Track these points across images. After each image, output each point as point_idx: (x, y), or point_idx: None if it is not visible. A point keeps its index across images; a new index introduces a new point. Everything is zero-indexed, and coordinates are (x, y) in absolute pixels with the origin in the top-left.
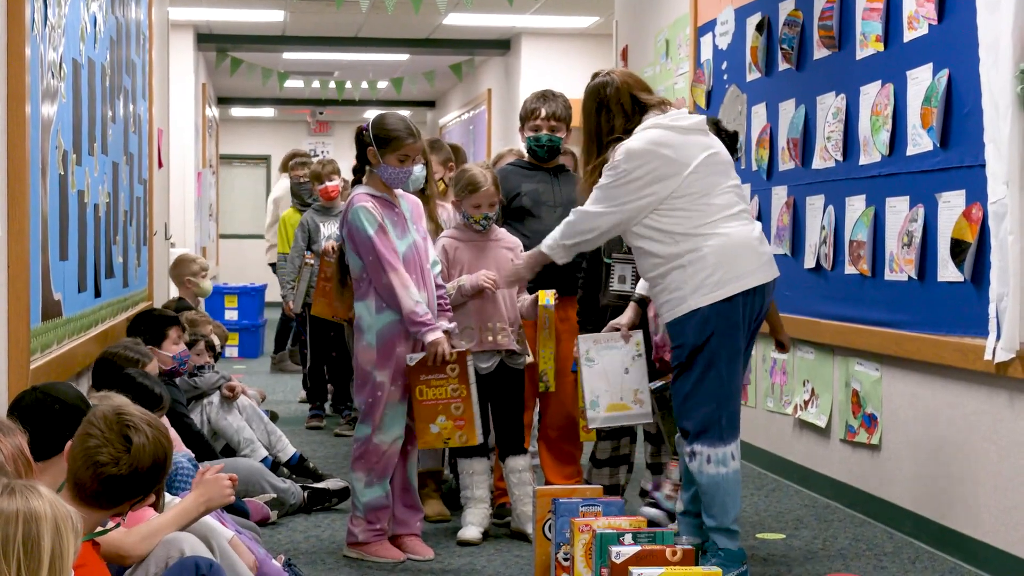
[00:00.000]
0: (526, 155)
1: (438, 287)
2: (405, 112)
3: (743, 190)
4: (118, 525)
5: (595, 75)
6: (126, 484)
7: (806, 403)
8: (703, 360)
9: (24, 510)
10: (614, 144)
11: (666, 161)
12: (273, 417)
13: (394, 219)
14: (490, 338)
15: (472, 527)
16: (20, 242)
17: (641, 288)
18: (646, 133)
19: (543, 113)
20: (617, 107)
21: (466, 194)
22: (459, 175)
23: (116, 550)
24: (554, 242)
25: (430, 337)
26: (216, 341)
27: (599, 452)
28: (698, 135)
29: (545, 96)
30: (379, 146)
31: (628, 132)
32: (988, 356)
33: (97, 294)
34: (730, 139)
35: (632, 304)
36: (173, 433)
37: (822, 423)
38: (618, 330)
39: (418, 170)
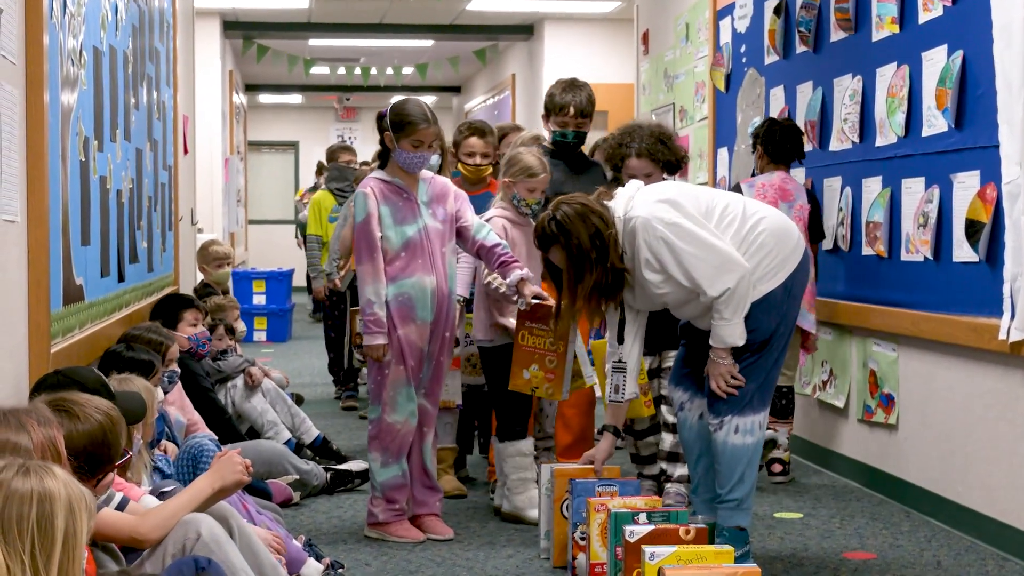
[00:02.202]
0: (547, 140)
1: (495, 245)
2: (431, 98)
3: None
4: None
5: (547, 224)
6: None
7: (824, 383)
8: (770, 343)
9: (39, 490)
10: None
11: (673, 200)
12: (299, 400)
13: (399, 205)
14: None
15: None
16: (40, 228)
17: (608, 418)
18: (637, 201)
19: (572, 111)
20: (594, 215)
21: (523, 178)
22: (514, 158)
23: (131, 534)
24: (727, 328)
25: (367, 340)
26: (241, 326)
27: (637, 424)
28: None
29: (574, 88)
30: (395, 131)
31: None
32: (1003, 336)
33: (120, 279)
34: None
35: (606, 434)
36: (197, 416)
37: (840, 403)
38: (591, 463)
39: (435, 158)
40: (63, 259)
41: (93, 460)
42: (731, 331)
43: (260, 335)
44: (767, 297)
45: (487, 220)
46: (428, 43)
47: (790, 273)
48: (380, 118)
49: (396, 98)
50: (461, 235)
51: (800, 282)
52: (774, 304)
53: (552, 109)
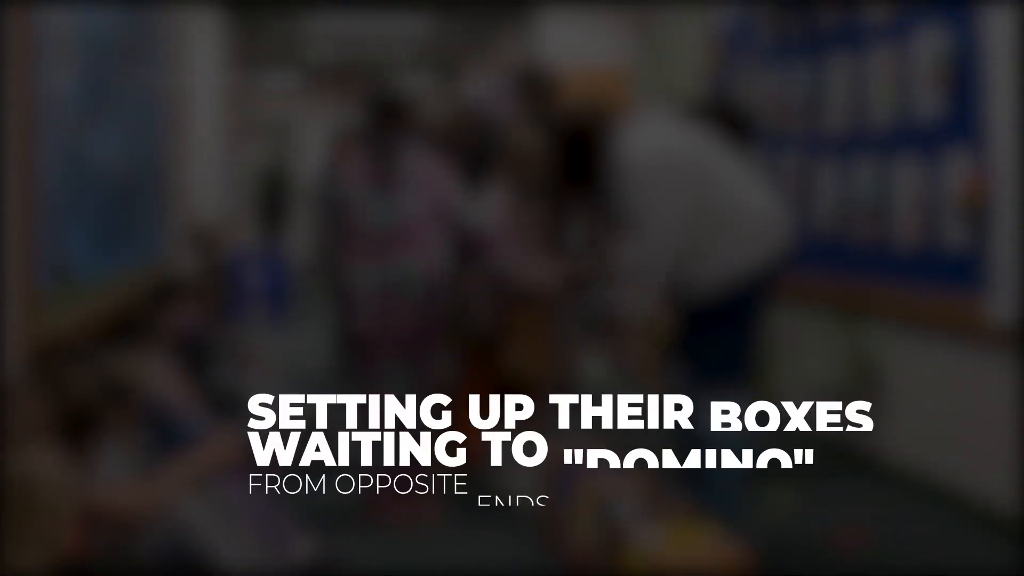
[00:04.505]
0: None
1: (481, 227)
2: (427, 78)
3: None
4: None
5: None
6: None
7: (814, 364)
8: (726, 321)
9: (21, 471)
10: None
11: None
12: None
13: (385, 187)
14: None
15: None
16: (30, 209)
17: None
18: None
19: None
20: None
21: (517, 156)
22: (508, 136)
23: (120, 510)
24: (627, 298)
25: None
26: (235, 305)
27: None
28: None
29: None
30: (384, 115)
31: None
32: (992, 317)
33: (113, 260)
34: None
35: None
36: (186, 396)
37: (830, 383)
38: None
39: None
40: (54, 241)
41: (70, 428)
42: (632, 301)
43: (256, 313)
44: (721, 273)
45: (488, 202)
46: (426, 23)
47: (756, 250)
48: (369, 102)
49: (392, 80)
50: (447, 218)
51: (768, 261)
52: (732, 280)
53: (540, 92)
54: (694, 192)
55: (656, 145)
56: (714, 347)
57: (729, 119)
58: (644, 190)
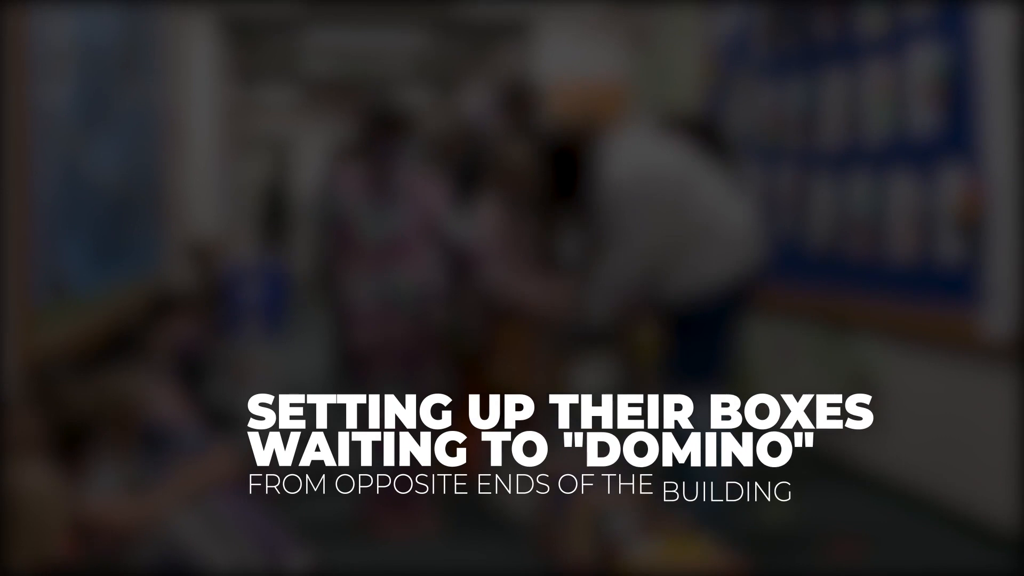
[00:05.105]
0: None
1: (471, 242)
2: (423, 92)
3: None
4: None
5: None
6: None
7: (809, 376)
8: (697, 329)
9: (10, 486)
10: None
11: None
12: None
13: (380, 200)
14: None
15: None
16: (26, 222)
17: None
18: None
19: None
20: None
21: (507, 171)
22: (499, 152)
23: (114, 523)
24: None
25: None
26: (230, 320)
27: None
28: None
29: None
30: (378, 127)
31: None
32: (987, 331)
33: (108, 274)
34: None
35: None
36: (181, 411)
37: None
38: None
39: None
40: (49, 253)
41: (65, 442)
42: (588, 309)
43: (253, 328)
44: (699, 284)
45: (479, 217)
46: (422, 37)
47: (731, 261)
48: (365, 115)
49: (390, 94)
50: (437, 232)
51: (742, 272)
52: (709, 290)
53: (521, 105)
54: (672, 208)
55: (637, 165)
56: (692, 356)
57: (710, 135)
58: (623, 209)
